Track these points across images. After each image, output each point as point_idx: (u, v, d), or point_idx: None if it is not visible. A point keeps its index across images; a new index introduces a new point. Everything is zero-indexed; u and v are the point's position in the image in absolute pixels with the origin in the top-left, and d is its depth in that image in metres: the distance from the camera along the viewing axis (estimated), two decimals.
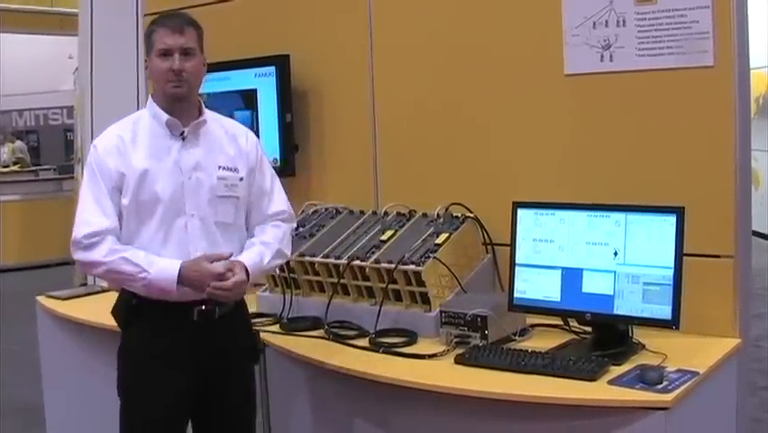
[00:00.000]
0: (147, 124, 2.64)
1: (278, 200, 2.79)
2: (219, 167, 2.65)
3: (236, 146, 2.71)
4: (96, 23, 5.99)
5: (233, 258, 2.60)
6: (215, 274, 2.52)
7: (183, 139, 2.62)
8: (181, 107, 2.63)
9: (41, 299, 3.83)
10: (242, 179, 2.68)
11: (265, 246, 2.70)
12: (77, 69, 7.43)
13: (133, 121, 2.67)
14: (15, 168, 12.07)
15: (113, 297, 3.75)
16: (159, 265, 2.52)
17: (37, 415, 4.14)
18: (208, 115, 2.71)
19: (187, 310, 2.58)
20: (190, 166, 2.61)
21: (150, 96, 2.70)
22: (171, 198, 2.57)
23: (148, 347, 2.60)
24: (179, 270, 2.51)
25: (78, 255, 2.57)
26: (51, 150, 13.05)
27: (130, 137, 2.61)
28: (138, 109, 5.39)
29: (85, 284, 5.93)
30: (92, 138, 6.06)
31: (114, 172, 2.57)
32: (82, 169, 6.81)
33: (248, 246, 2.70)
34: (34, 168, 12.12)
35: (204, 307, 2.59)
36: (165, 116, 2.62)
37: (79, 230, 2.56)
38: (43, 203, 10.47)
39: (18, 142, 12.86)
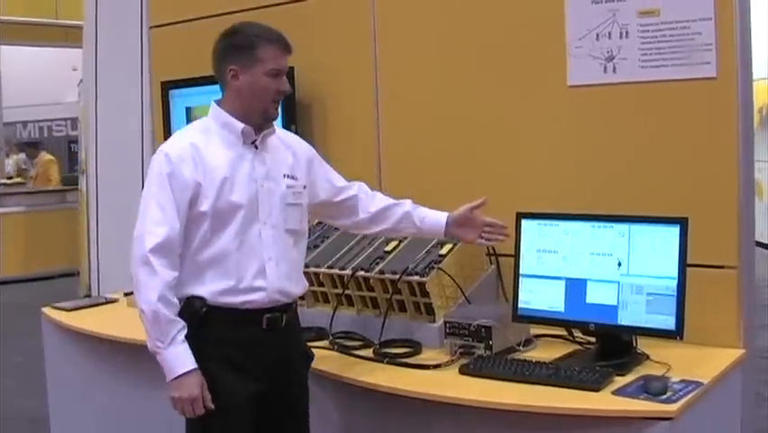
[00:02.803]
0: (217, 133, 2.59)
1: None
2: (284, 175, 2.65)
3: (293, 155, 2.71)
4: (101, 35, 6.02)
5: (296, 263, 2.65)
6: (198, 396, 2.43)
7: (256, 147, 2.61)
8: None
9: (47, 310, 3.81)
10: (305, 186, 2.70)
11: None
12: (81, 80, 7.45)
13: (201, 130, 2.61)
14: (20, 179, 12.11)
15: (118, 307, 3.83)
16: (177, 350, 2.43)
17: (41, 427, 4.14)
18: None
19: (256, 319, 2.54)
20: (262, 175, 2.59)
21: (215, 105, 2.62)
22: (248, 205, 2.55)
23: (217, 355, 2.50)
24: (187, 370, 2.42)
25: (139, 271, 2.44)
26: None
27: (204, 145, 2.54)
28: (142, 122, 5.48)
29: (89, 295, 5.93)
30: (96, 149, 6.13)
31: (190, 181, 2.48)
32: (87, 180, 6.86)
33: (414, 209, 2.83)
34: None
35: (272, 315, 2.57)
36: (241, 125, 2.57)
37: (147, 241, 2.44)
38: (47, 214, 10.49)
39: (22, 154, 12.90)
